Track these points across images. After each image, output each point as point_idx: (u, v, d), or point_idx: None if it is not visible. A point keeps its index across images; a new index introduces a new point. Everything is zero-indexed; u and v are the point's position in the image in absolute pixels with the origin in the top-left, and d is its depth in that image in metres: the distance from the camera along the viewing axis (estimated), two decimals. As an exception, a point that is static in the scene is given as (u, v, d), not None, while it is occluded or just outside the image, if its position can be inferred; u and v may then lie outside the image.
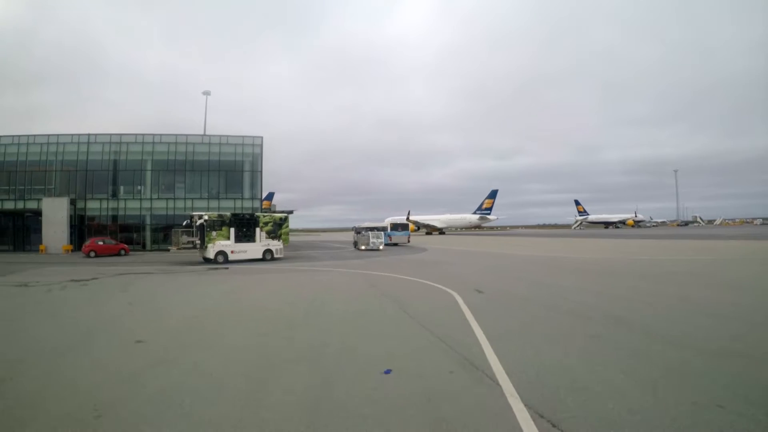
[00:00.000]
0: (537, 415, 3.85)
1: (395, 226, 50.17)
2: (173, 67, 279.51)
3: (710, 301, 9.70)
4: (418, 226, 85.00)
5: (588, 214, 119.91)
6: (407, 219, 72.32)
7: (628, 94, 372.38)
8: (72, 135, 38.69)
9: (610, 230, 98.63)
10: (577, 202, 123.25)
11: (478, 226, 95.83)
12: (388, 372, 5.17)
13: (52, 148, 38.17)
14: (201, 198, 40.18)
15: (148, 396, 4.58)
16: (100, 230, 36.79)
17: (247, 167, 42.69)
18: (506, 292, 11.91)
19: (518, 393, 4.37)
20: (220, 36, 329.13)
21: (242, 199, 41.42)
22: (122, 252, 31.80)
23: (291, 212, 60.33)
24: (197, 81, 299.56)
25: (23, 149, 38.08)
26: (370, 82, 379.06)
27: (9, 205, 37.68)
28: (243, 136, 42.42)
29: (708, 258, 21.10)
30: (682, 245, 32.53)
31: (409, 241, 47.54)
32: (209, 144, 41.16)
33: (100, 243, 31.32)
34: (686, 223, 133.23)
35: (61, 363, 5.99)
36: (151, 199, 39.37)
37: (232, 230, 24.40)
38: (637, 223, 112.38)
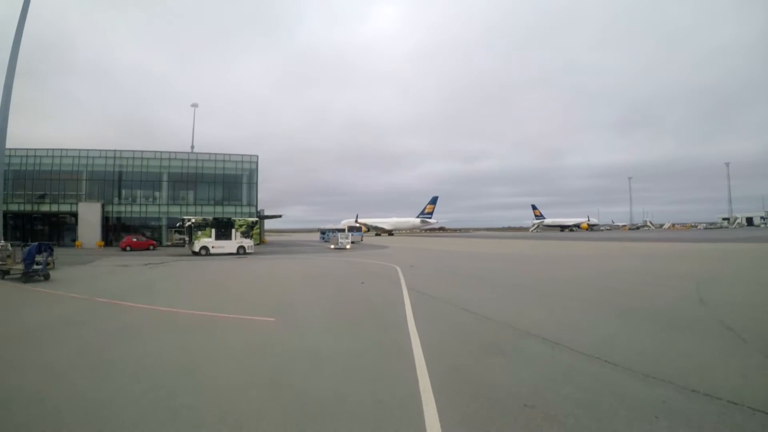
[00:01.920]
0: (410, 288, 12.27)
1: (351, 228, 58.59)
2: (145, 67, 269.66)
3: (532, 270, 18.50)
4: (368, 227, 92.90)
5: (544, 218, 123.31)
6: (356, 221, 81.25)
7: (597, 101, 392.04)
8: (100, 150, 44.40)
9: (561, 233, 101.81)
10: (534, 207, 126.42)
11: (426, 228, 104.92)
12: (363, 283, 13.49)
13: (83, 161, 43.74)
14: (208, 204, 46.89)
15: (289, 288, 12.66)
16: (125, 230, 42.78)
17: (245, 180, 49.77)
18: (426, 266, 20.49)
19: (406, 286, 12.82)
20: (194, 37, 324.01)
21: (241, 205, 48.40)
22: (151, 247, 38.08)
23: (280, 215, 67.59)
24: (169, 80, 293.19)
25: (57, 161, 43.40)
26: (341, 85, 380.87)
27: (45, 208, 42.87)
28: (242, 155, 49.50)
29: (584, 253, 30.32)
30: (587, 245, 41.37)
31: (362, 240, 55.76)
32: (215, 161, 47.94)
33: (135, 240, 37.63)
34: (638, 227, 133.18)
35: (228, 288, 13.94)
36: (167, 204, 45.73)
37: (213, 231, 31.04)
38: (591, 227, 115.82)
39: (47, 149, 43.70)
